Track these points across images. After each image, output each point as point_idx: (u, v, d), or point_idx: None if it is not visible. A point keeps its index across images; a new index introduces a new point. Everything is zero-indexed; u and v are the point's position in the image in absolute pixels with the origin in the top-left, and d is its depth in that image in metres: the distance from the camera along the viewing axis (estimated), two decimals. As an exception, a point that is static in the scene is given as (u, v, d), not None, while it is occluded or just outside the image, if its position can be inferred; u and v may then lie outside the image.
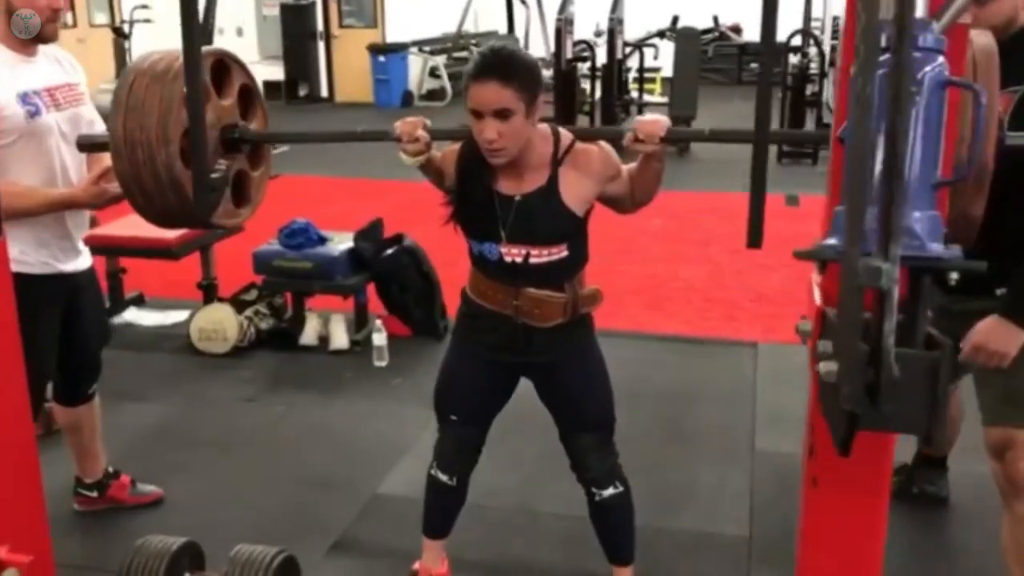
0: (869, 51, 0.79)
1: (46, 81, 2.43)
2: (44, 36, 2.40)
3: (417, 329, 4.47)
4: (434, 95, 12.96)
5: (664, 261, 5.72)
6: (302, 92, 13.25)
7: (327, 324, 4.40)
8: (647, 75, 11.36)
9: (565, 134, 2.12)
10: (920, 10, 1.03)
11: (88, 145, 2.29)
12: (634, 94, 10.25)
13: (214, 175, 1.80)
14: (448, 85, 12.72)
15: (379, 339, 4.16)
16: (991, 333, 2.11)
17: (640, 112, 9.97)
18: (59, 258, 2.51)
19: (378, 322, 4.23)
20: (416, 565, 2.54)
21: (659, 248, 5.99)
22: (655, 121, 1.94)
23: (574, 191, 2.09)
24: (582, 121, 9.92)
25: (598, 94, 9.81)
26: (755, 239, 1.04)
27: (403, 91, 12.84)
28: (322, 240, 4.38)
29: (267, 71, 13.35)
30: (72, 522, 2.95)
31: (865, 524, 1.41)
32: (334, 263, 4.28)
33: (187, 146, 1.88)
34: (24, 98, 2.35)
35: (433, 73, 13.10)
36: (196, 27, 1.51)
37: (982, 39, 1.32)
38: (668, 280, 5.38)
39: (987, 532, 2.63)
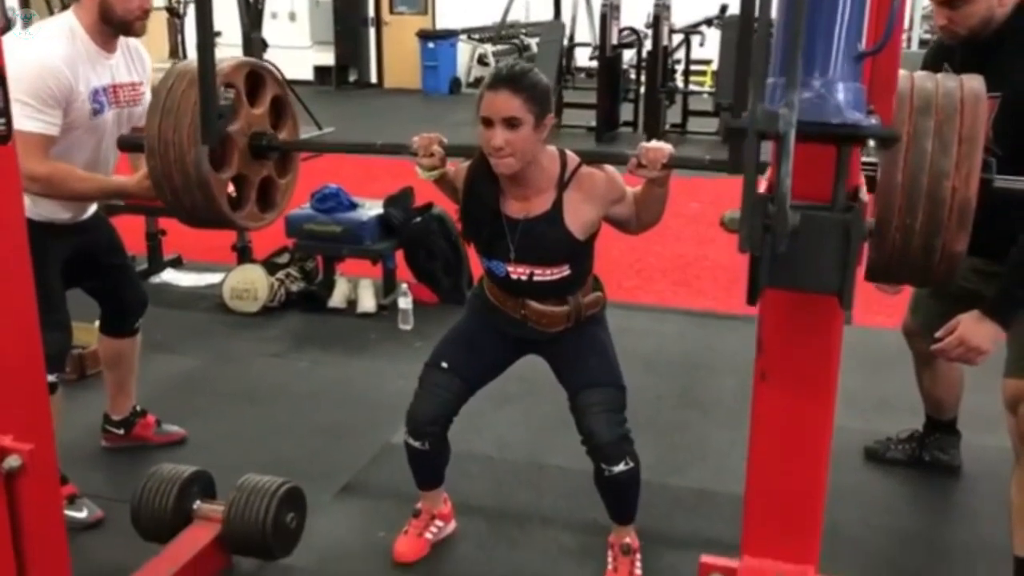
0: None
1: (115, 78, 2.52)
2: (133, 32, 2.51)
3: (444, 297, 4.54)
4: (482, 82, 13.03)
5: (696, 243, 5.72)
6: (352, 78, 13.43)
7: (356, 288, 4.49)
8: (699, 67, 11.29)
9: (572, 157, 2.20)
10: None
11: (128, 145, 2.40)
12: (680, 83, 10.20)
13: (222, 103, 1.87)
14: (496, 73, 12.75)
15: (404, 303, 4.24)
16: (970, 328, 2.12)
17: (686, 100, 9.92)
18: (67, 211, 2.57)
19: (404, 286, 4.31)
20: (419, 504, 2.60)
21: (692, 230, 5.98)
22: (659, 148, 1.99)
23: (577, 216, 2.18)
24: (626, 109, 9.91)
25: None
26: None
27: (451, 78, 12.96)
28: (352, 205, 4.47)
29: (318, 56, 13.58)
30: (99, 457, 3.08)
31: (812, 417, 1.44)
32: (363, 227, 4.37)
33: (216, 149, 1.98)
34: (94, 95, 2.44)
35: (481, 60, 13.18)
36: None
37: (972, 83, 1.36)
38: (697, 260, 5.40)
39: (996, 501, 2.61)
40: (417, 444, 2.41)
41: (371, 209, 4.49)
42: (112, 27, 2.46)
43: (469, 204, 2.22)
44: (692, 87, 10.44)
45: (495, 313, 2.37)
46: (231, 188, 2.15)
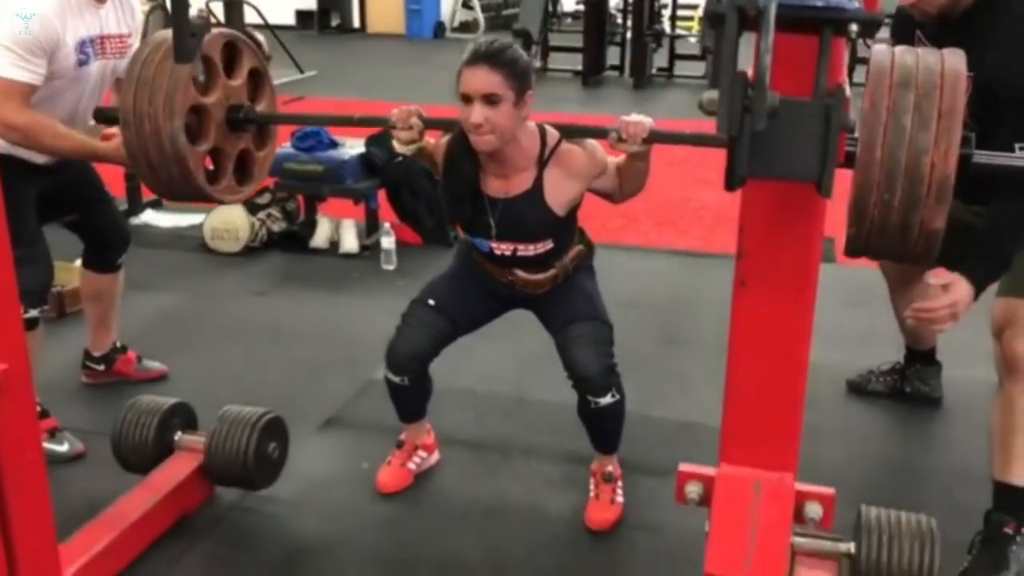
0: None
1: (104, 29, 2.46)
2: None
3: (427, 237, 4.51)
4: (467, 27, 12.85)
5: (681, 185, 5.70)
6: (334, 22, 13.21)
7: (338, 228, 4.46)
8: (685, 11, 11.17)
9: (552, 133, 2.18)
10: None
11: (102, 118, 2.35)
12: (666, 27, 10.09)
13: (196, 22, 1.82)
14: (481, 17, 12.60)
15: (387, 242, 4.21)
16: (966, 294, 2.04)
17: (672, 44, 9.81)
18: (43, 156, 2.51)
19: (387, 225, 4.28)
20: (402, 436, 2.61)
21: (677, 173, 5.94)
22: (639, 123, 1.98)
23: (558, 193, 2.18)
24: (612, 52, 9.80)
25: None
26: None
27: (435, 22, 12.76)
28: (333, 144, 4.41)
29: (300, 0, 13.34)
30: (79, 392, 3.07)
31: (791, 322, 1.44)
32: (344, 166, 4.32)
33: (192, 122, 1.95)
34: (80, 46, 2.39)
35: (466, 4, 12.97)
36: None
37: (953, 58, 1.34)
38: (683, 202, 5.38)
39: (976, 430, 2.63)
40: (396, 379, 2.40)
41: (352, 148, 4.43)
42: None
43: (449, 181, 2.22)
44: (679, 31, 10.33)
45: (484, 275, 2.37)
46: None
